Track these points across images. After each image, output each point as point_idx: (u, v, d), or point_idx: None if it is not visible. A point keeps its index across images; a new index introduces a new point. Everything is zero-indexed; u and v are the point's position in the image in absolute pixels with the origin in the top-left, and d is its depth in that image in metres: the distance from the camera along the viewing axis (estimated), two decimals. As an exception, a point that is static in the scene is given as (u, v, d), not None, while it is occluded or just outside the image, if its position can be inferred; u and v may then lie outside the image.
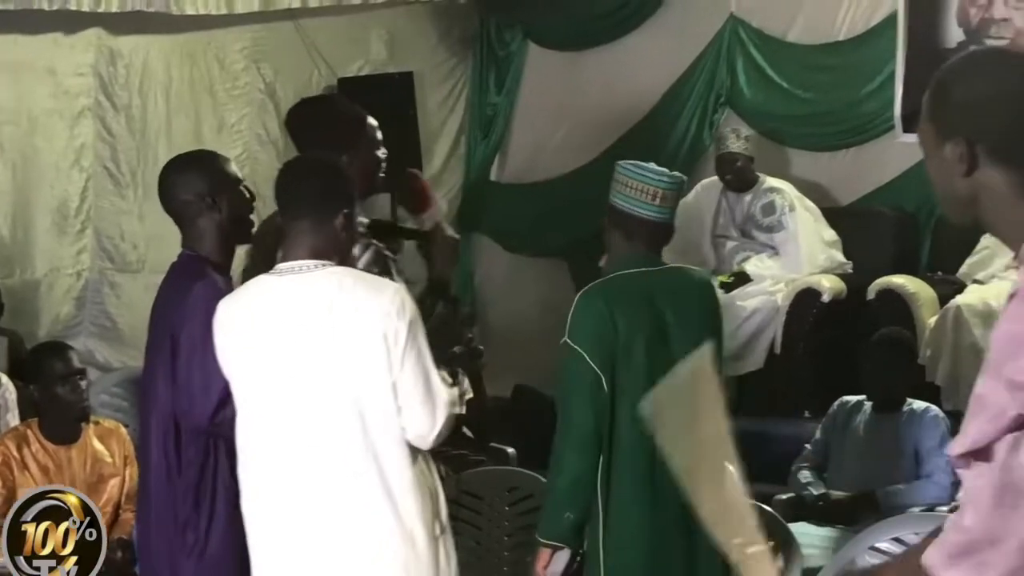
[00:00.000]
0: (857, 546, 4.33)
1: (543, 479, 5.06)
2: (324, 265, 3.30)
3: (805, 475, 5.41)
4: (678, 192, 4.01)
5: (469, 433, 6.55)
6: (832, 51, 7.85)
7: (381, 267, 3.78)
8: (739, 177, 7.43)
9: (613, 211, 3.95)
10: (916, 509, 4.91)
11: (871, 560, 4.20)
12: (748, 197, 7.46)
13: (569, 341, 3.83)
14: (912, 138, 6.50)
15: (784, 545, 4.49)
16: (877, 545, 4.27)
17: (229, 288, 3.56)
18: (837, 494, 5.28)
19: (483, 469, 5.49)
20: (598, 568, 3.85)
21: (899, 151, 7.29)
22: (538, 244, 8.64)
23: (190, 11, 7.34)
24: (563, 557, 3.88)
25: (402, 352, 3.22)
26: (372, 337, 3.21)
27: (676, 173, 4.01)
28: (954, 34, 7.45)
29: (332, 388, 3.25)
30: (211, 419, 3.46)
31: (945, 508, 4.79)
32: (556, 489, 3.92)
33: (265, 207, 3.78)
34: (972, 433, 2.08)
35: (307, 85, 7.88)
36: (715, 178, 7.58)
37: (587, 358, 3.80)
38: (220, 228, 3.66)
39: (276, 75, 7.89)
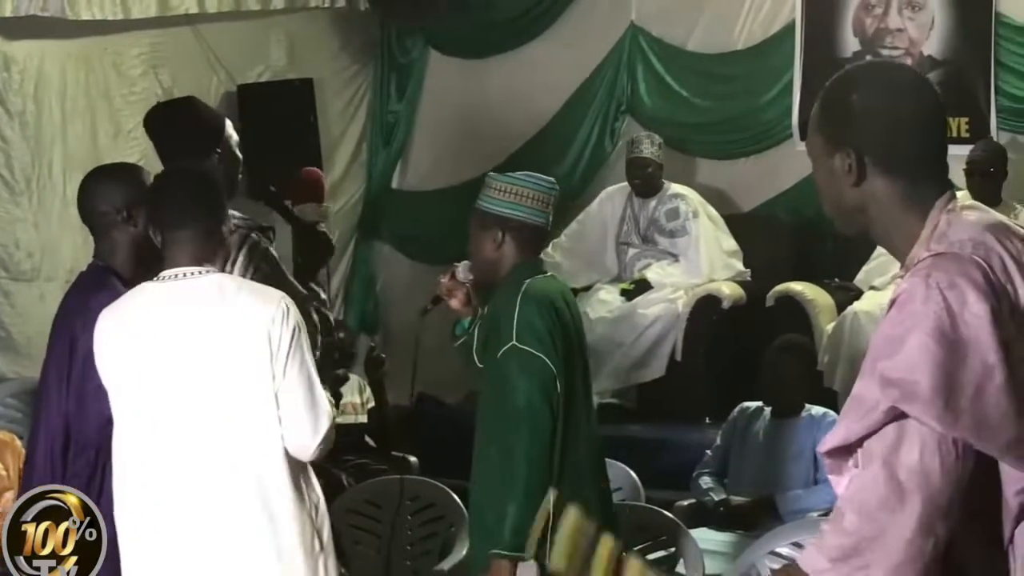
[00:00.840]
0: (757, 551, 4.36)
1: (446, 488, 5.05)
2: (208, 271, 3.26)
3: (706, 481, 5.44)
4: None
5: (371, 442, 6.53)
6: (731, 60, 7.93)
7: (260, 257, 3.75)
8: (647, 182, 7.48)
9: (504, 221, 3.91)
10: (814, 513, 4.95)
11: (772, 565, 4.23)
12: (653, 203, 7.51)
13: (519, 344, 3.76)
14: (810, 146, 6.57)
15: (685, 551, 4.52)
16: (777, 550, 4.31)
17: None
18: (737, 499, 5.31)
19: (385, 478, 5.46)
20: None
21: (797, 159, 7.37)
22: (440, 252, 8.56)
23: (86, 16, 7.23)
24: (530, 569, 3.66)
25: (285, 360, 3.17)
26: (254, 345, 3.16)
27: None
28: (850, 44, 7.57)
29: (211, 398, 3.19)
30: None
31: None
32: (522, 495, 3.69)
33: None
34: (843, 430, 2.13)
35: (206, 91, 7.77)
36: (620, 185, 7.63)
37: (544, 358, 3.76)
38: (134, 242, 3.63)
39: (174, 81, 7.78)
